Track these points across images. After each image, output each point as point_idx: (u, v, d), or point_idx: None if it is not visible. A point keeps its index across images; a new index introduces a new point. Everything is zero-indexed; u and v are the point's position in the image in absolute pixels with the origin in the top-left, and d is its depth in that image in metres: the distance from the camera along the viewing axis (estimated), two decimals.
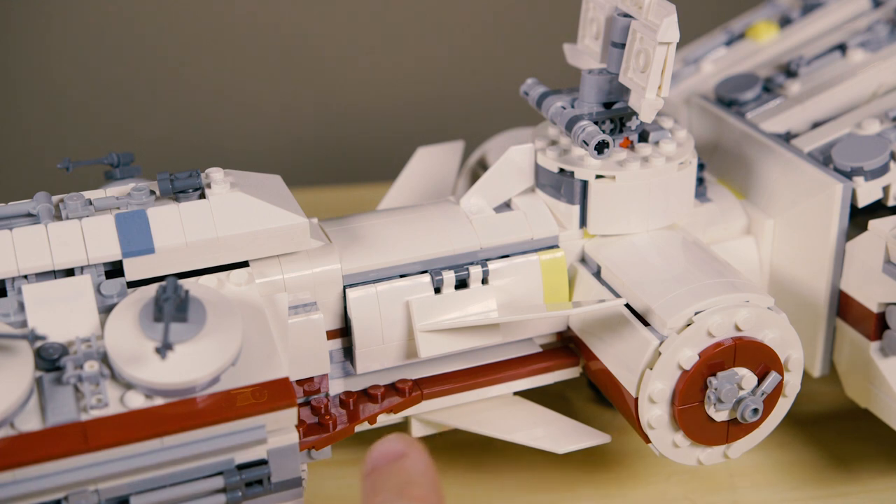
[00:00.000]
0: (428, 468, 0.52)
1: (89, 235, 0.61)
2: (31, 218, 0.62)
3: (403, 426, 0.73)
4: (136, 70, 1.23)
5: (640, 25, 0.65)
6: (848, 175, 0.71)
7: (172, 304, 0.56)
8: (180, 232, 0.62)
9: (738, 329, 0.65)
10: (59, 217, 0.62)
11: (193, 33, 1.22)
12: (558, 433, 0.71)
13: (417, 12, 1.25)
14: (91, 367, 0.56)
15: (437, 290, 0.68)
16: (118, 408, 0.55)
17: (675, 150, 0.70)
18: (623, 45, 0.67)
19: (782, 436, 0.78)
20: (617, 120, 0.70)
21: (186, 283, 0.60)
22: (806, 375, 0.74)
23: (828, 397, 0.82)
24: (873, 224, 0.70)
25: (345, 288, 0.67)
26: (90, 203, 0.63)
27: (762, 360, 0.66)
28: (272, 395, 0.57)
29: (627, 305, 0.67)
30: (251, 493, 0.59)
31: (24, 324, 0.59)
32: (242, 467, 0.58)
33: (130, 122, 1.25)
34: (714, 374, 0.65)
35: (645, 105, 0.66)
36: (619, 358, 0.67)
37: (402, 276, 0.68)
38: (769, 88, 0.82)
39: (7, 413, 0.54)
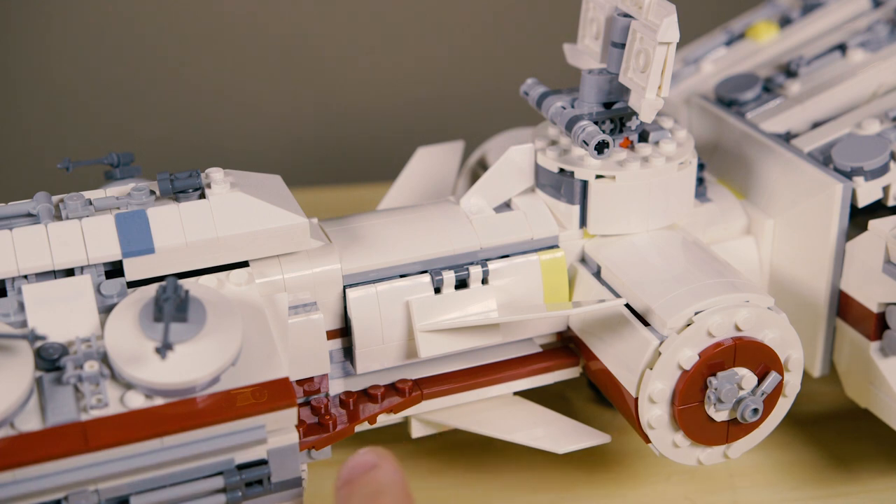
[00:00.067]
0: (399, 478, 0.54)
1: (89, 235, 0.61)
2: (31, 218, 0.62)
3: (403, 426, 0.73)
4: (136, 70, 1.23)
5: (640, 25, 0.65)
6: (848, 175, 0.71)
7: (172, 304, 0.56)
8: (180, 232, 0.62)
9: (738, 329, 0.65)
10: (59, 217, 0.62)
11: (193, 33, 1.22)
12: (558, 433, 0.71)
13: (417, 12, 1.25)
14: (91, 367, 0.56)
15: (437, 290, 0.68)
16: (118, 408, 0.55)
17: (675, 150, 0.70)
18: (623, 45, 0.67)
19: (782, 436, 0.78)
20: (617, 120, 0.70)
21: (186, 283, 0.60)
22: (806, 375, 0.74)
23: (828, 397, 0.82)
24: (873, 224, 0.70)
25: (345, 288, 0.67)
26: (90, 203, 0.63)
27: (762, 360, 0.66)
28: (272, 395, 0.57)
29: (627, 305, 0.67)
30: (251, 493, 0.59)
31: (24, 324, 0.59)
32: (242, 467, 0.58)
33: (130, 122, 1.25)
34: (714, 374, 0.65)
35: (645, 105, 0.66)
36: (619, 358, 0.67)
37: (402, 276, 0.68)
38: (769, 88, 0.82)
39: (7, 413, 0.54)
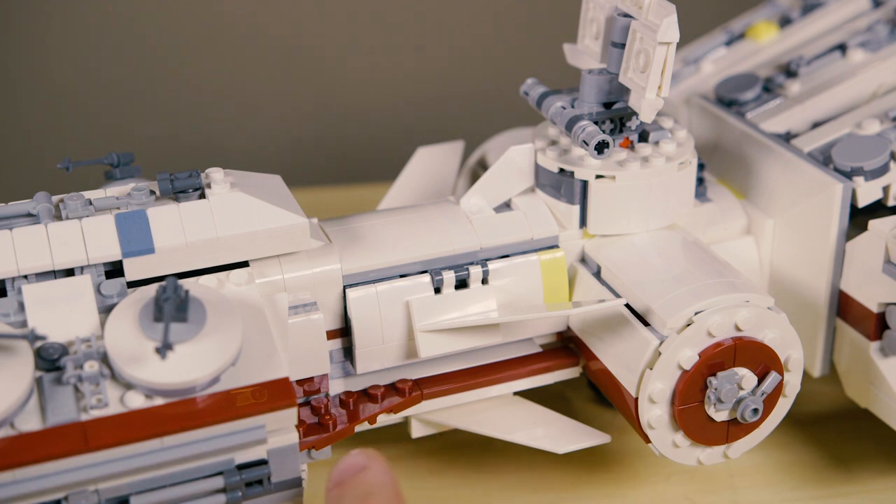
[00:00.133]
0: (389, 479, 0.55)
1: (89, 235, 0.61)
2: (31, 218, 0.62)
3: (403, 426, 0.73)
4: (136, 70, 1.23)
5: (640, 25, 0.65)
6: (848, 175, 0.71)
7: (172, 304, 0.56)
8: (180, 232, 0.62)
9: (738, 329, 0.65)
10: (59, 217, 0.62)
11: (193, 33, 1.22)
12: (558, 433, 0.71)
13: (417, 12, 1.25)
14: (91, 367, 0.56)
15: (437, 290, 0.68)
16: (118, 408, 0.55)
17: (675, 150, 0.70)
18: (623, 45, 0.67)
19: (782, 436, 0.78)
20: (617, 120, 0.70)
21: (186, 283, 0.60)
22: (806, 375, 0.74)
23: (828, 397, 0.82)
24: (873, 224, 0.70)
25: (345, 288, 0.67)
26: (90, 203, 0.63)
27: (762, 360, 0.66)
28: (272, 395, 0.57)
29: (627, 305, 0.67)
30: (251, 493, 0.59)
31: (24, 324, 0.59)
32: (242, 467, 0.58)
33: (130, 122, 1.25)
34: (714, 374, 0.65)
35: (645, 105, 0.66)
36: (619, 358, 0.67)
37: (402, 276, 0.68)
38: (769, 88, 0.82)
39: (7, 413, 0.54)
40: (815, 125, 0.78)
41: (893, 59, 0.80)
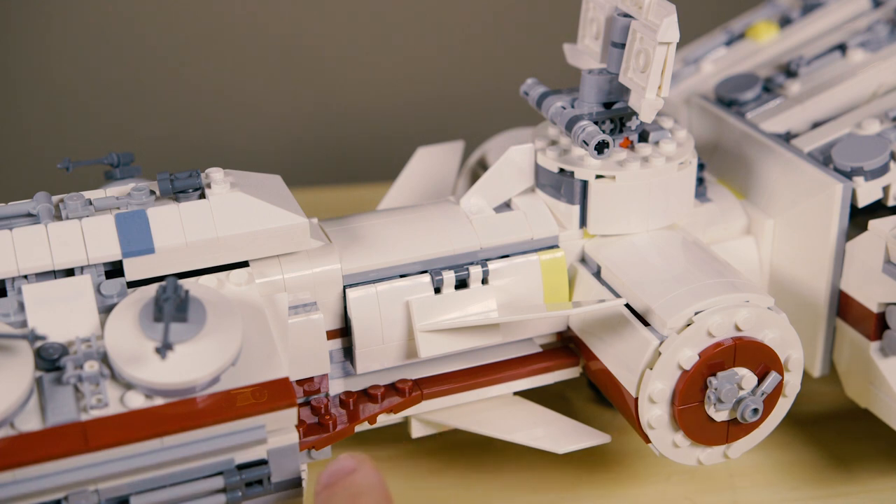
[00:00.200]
0: (378, 480, 0.55)
1: (89, 235, 0.61)
2: (31, 218, 0.62)
3: (403, 426, 0.73)
4: (136, 70, 1.23)
5: (640, 25, 0.65)
6: (848, 175, 0.71)
7: (172, 304, 0.56)
8: (180, 232, 0.62)
9: (738, 329, 0.65)
10: (59, 217, 0.62)
11: (193, 33, 1.22)
12: (558, 433, 0.71)
13: (417, 12, 1.25)
14: (91, 367, 0.56)
15: (437, 290, 0.68)
16: (118, 408, 0.55)
17: (675, 150, 0.70)
18: (623, 45, 0.67)
19: (782, 436, 0.78)
20: (617, 120, 0.70)
21: (186, 283, 0.60)
22: (806, 375, 0.74)
23: (828, 397, 0.82)
24: (873, 224, 0.70)
25: (345, 288, 0.67)
26: (90, 203, 0.63)
27: (762, 360, 0.66)
28: (272, 395, 0.57)
29: (627, 305, 0.67)
30: (251, 493, 0.59)
31: (24, 324, 0.59)
32: (242, 467, 0.58)
33: (130, 122, 1.25)
34: (714, 374, 0.65)
35: (645, 105, 0.66)
36: (619, 358, 0.67)
37: (402, 276, 0.68)
38: (769, 88, 0.82)
39: (7, 413, 0.54)
40: (815, 125, 0.78)
41: (893, 59, 0.80)
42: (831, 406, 0.82)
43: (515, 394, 0.73)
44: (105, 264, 0.61)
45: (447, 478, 0.76)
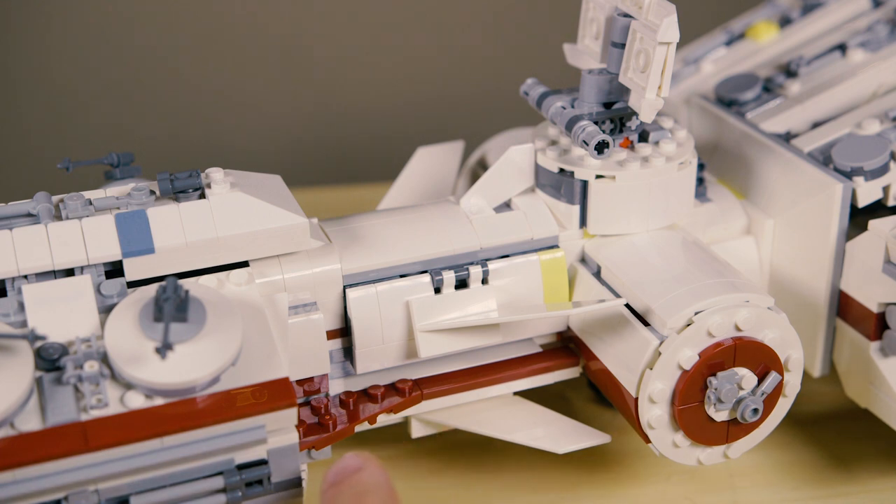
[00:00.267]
0: (384, 479, 0.55)
1: (89, 235, 0.61)
2: (31, 218, 0.62)
3: (403, 426, 0.73)
4: (136, 70, 1.23)
5: (640, 25, 0.65)
6: (848, 175, 0.71)
7: (172, 304, 0.56)
8: (180, 232, 0.62)
9: (738, 329, 0.65)
10: (59, 217, 0.62)
11: (193, 33, 1.22)
12: (558, 433, 0.71)
13: (417, 12, 1.25)
14: (91, 367, 0.56)
15: (437, 290, 0.68)
16: (118, 408, 0.55)
17: (675, 150, 0.70)
18: (623, 45, 0.67)
19: (782, 436, 0.78)
20: (617, 120, 0.70)
21: (186, 283, 0.60)
22: (806, 375, 0.74)
23: (828, 397, 0.82)
24: (873, 224, 0.70)
25: (345, 288, 0.67)
26: (90, 203, 0.63)
27: (762, 360, 0.66)
28: (272, 395, 0.57)
29: (627, 305, 0.67)
30: (251, 493, 0.59)
31: (24, 324, 0.59)
32: (242, 467, 0.58)
33: (130, 122, 1.25)
34: (714, 374, 0.65)
35: (645, 105, 0.66)
36: (619, 358, 0.67)
37: (402, 276, 0.68)
38: (769, 88, 0.82)
39: (7, 413, 0.54)
40: (815, 125, 0.78)
41: (893, 59, 0.80)
42: (831, 406, 0.82)
43: (515, 394, 0.73)
44: (105, 264, 0.61)
45: (447, 478, 0.76)
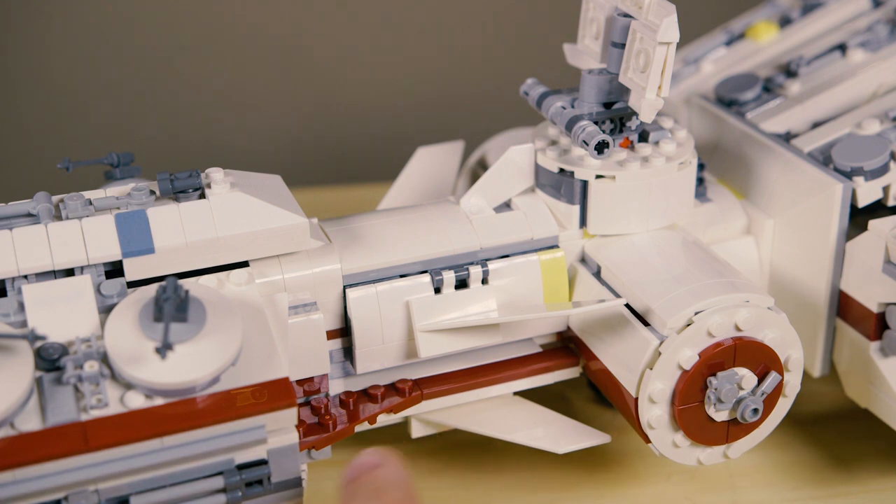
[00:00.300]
0: (403, 476, 0.55)
1: (89, 235, 0.61)
2: (31, 218, 0.62)
3: (403, 426, 0.73)
4: (136, 70, 1.23)
5: (640, 25, 0.65)
6: (848, 175, 0.71)
7: (172, 304, 0.56)
8: (180, 232, 0.62)
9: (738, 329, 0.65)
10: (59, 217, 0.62)
11: (194, 33, 1.22)
12: (558, 433, 0.71)
13: (417, 12, 1.26)
14: (91, 367, 0.56)
15: (437, 290, 0.68)
16: (118, 408, 0.55)
17: (675, 150, 0.70)
18: (623, 45, 0.67)
19: (782, 436, 0.78)
20: (617, 120, 0.70)
21: (186, 283, 0.60)
22: (806, 375, 0.74)
23: (828, 397, 0.82)
24: (873, 224, 0.70)
25: (345, 288, 0.67)
26: (90, 203, 0.63)
27: (762, 360, 0.66)
28: (272, 395, 0.57)
29: (627, 305, 0.67)
30: (251, 493, 0.59)
31: (24, 324, 0.59)
32: (242, 467, 0.58)
33: (130, 122, 1.25)
34: (714, 374, 0.65)
35: (645, 105, 0.66)
36: (619, 358, 0.67)
37: (402, 276, 0.68)
38: (769, 88, 0.82)
39: (7, 413, 0.54)
40: (815, 125, 0.78)
41: (893, 59, 0.80)
42: (831, 406, 0.82)
43: (515, 394, 0.73)
44: (105, 264, 0.61)
45: (447, 478, 0.76)
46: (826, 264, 0.72)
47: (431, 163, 0.83)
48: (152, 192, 0.64)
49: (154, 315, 0.57)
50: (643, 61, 0.65)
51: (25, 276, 0.60)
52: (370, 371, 0.69)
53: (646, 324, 0.66)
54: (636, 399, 0.65)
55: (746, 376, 0.65)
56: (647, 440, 0.67)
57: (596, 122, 0.69)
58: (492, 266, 0.69)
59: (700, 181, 0.77)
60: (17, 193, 0.69)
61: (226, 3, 1.21)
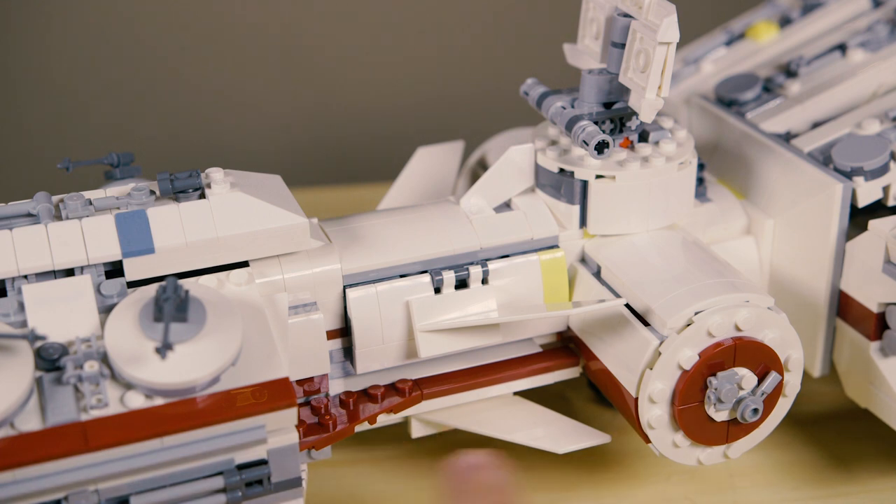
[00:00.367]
0: (502, 480, 0.55)
1: (89, 235, 0.61)
2: (31, 218, 0.62)
3: (403, 426, 0.73)
4: (136, 70, 1.23)
5: (640, 25, 0.65)
6: (848, 175, 0.71)
7: (172, 304, 0.56)
8: (180, 232, 0.62)
9: (738, 329, 0.65)
10: (59, 217, 0.62)
11: (194, 33, 1.22)
12: (558, 433, 0.71)
13: (417, 12, 1.26)
14: (91, 367, 0.56)
15: (437, 290, 0.68)
16: (118, 408, 0.55)
17: (675, 150, 0.70)
18: (623, 45, 0.67)
19: (782, 436, 0.78)
20: (617, 120, 0.70)
21: (186, 283, 0.60)
22: (806, 375, 0.74)
23: (828, 397, 0.82)
24: (873, 224, 0.70)
25: (345, 288, 0.67)
26: (90, 203, 0.63)
27: (762, 360, 0.66)
28: (272, 395, 0.57)
29: (627, 305, 0.67)
30: (251, 493, 0.59)
31: (24, 324, 0.59)
32: (242, 467, 0.58)
33: (130, 122, 1.25)
34: (714, 374, 0.65)
35: (645, 105, 0.66)
36: (619, 358, 0.67)
37: (402, 276, 0.68)
38: (769, 88, 0.82)
39: (7, 413, 0.54)
40: (815, 125, 0.78)
41: (893, 59, 0.80)
42: (831, 406, 0.82)
43: (515, 394, 0.73)
44: (105, 264, 0.61)
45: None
46: (826, 264, 0.72)
47: (431, 163, 0.83)
48: (152, 192, 0.64)
49: (154, 315, 0.57)
50: (643, 61, 0.65)
51: (25, 276, 0.60)
52: (370, 371, 0.69)
53: (646, 324, 0.66)
54: (636, 399, 0.65)
55: (746, 376, 0.65)
56: (647, 440, 0.67)
57: (596, 122, 0.69)
58: (492, 266, 0.69)
59: (700, 181, 0.77)
60: (17, 193, 0.69)
61: (226, 3, 1.21)
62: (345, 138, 1.29)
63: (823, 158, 0.74)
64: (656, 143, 0.71)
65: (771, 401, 0.67)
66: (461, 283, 0.69)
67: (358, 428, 0.68)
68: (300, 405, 0.66)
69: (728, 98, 0.81)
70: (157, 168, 0.70)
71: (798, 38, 0.87)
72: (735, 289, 0.65)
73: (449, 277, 0.68)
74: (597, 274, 0.71)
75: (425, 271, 0.68)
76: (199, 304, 0.58)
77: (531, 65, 1.05)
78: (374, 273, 0.67)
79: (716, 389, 0.65)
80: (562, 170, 0.70)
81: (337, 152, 1.30)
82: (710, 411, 0.66)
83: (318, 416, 0.66)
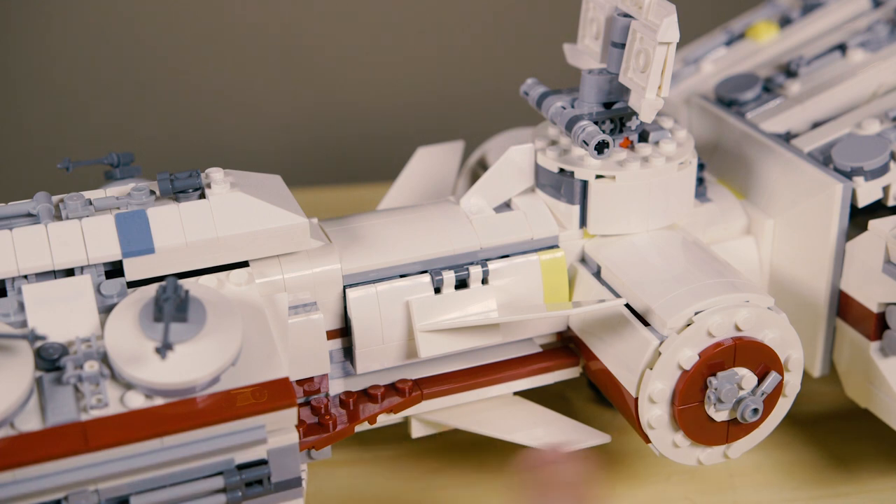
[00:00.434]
0: (579, 475, 0.54)
1: (89, 235, 0.61)
2: (31, 218, 0.62)
3: (403, 426, 0.73)
4: (136, 70, 1.23)
5: (640, 25, 0.65)
6: (848, 175, 0.71)
7: (172, 304, 0.56)
8: (180, 232, 0.62)
9: (738, 329, 0.65)
10: (59, 217, 0.62)
11: (194, 33, 1.22)
12: (558, 433, 0.71)
13: (417, 12, 1.26)
14: (91, 367, 0.56)
15: (437, 290, 0.68)
16: (118, 408, 0.55)
17: (675, 150, 0.70)
18: (623, 45, 0.67)
19: (782, 436, 0.78)
20: (617, 120, 0.70)
21: (186, 283, 0.60)
22: (806, 375, 0.74)
23: (828, 397, 0.82)
24: (873, 224, 0.70)
25: (345, 288, 0.67)
26: (90, 203, 0.63)
27: (762, 360, 0.66)
28: (272, 395, 0.57)
29: (627, 305, 0.67)
30: (251, 493, 0.59)
31: (24, 324, 0.59)
32: (242, 467, 0.58)
33: (130, 122, 1.25)
34: (714, 374, 0.65)
35: (645, 105, 0.66)
36: (619, 358, 0.67)
37: (402, 276, 0.68)
38: (769, 88, 0.82)
39: (7, 413, 0.54)
40: (815, 125, 0.78)
41: (893, 59, 0.80)
42: (831, 406, 0.82)
43: (515, 394, 0.73)
44: (105, 264, 0.61)
45: (447, 478, 0.76)
46: (826, 264, 0.72)
47: (431, 163, 0.83)
48: (152, 192, 0.64)
49: (154, 315, 0.57)
50: (643, 61, 0.65)
51: (25, 276, 0.60)
52: (370, 371, 0.69)
53: (646, 324, 0.66)
54: (636, 399, 0.65)
55: (746, 376, 0.65)
56: (647, 440, 0.67)
57: (596, 122, 0.69)
58: (492, 266, 0.69)
59: (700, 181, 0.77)
60: (17, 193, 0.69)
61: (226, 3, 1.21)
62: (345, 138, 1.29)
63: (823, 158, 0.74)
64: (656, 143, 0.71)
65: (771, 401, 0.67)
66: (461, 283, 0.69)
67: (358, 428, 0.68)
68: (300, 405, 0.66)
69: (728, 98, 0.81)
70: (157, 168, 0.70)
71: (798, 38, 0.87)
72: (735, 289, 0.65)
73: (449, 277, 0.68)
74: (597, 274, 0.71)
75: (425, 271, 0.68)
76: (199, 304, 0.58)
77: (531, 65, 1.05)
78: (374, 273, 0.67)
79: (716, 389, 0.65)
80: (562, 170, 0.70)
81: (337, 152, 1.30)
82: (710, 411, 0.66)
83: (318, 416, 0.66)
